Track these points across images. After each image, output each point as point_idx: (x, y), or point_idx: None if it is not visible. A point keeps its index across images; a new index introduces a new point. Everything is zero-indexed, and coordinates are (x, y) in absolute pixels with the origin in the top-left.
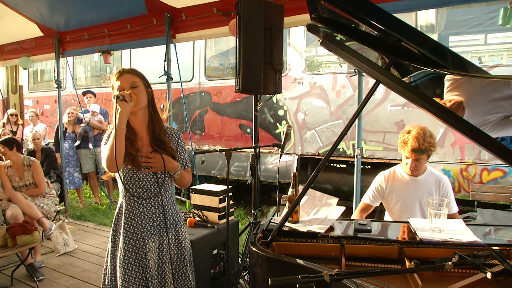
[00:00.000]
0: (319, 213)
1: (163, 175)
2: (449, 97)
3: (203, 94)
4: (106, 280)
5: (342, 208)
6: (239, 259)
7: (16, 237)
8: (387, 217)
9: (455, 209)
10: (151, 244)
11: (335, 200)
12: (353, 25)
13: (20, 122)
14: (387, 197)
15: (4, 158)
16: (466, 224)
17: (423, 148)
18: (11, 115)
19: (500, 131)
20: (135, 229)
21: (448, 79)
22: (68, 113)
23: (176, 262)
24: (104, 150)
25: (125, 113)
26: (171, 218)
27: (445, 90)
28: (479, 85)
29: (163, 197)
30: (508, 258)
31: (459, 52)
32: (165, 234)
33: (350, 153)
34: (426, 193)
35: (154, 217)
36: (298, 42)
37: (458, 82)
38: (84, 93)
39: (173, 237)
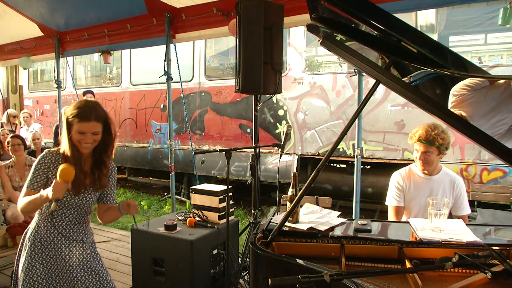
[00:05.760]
0: (320, 218)
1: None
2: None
3: (203, 94)
4: None
5: (344, 219)
6: (239, 259)
7: (16, 237)
8: None
9: (466, 211)
10: None
11: (336, 213)
12: (353, 25)
13: (17, 121)
14: (406, 195)
15: (11, 154)
16: (466, 224)
17: (430, 139)
18: (10, 116)
19: (507, 142)
20: None
21: (454, 94)
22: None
23: None
24: (24, 195)
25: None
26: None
27: (449, 105)
28: (483, 99)
29: None
30: (508, 258)
31: (459, 52)
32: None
33: (350, 153)
34: (440, 193)
35: None
36: (298, 42)
37: (462, 97)
38: (84, 93)
39: None
